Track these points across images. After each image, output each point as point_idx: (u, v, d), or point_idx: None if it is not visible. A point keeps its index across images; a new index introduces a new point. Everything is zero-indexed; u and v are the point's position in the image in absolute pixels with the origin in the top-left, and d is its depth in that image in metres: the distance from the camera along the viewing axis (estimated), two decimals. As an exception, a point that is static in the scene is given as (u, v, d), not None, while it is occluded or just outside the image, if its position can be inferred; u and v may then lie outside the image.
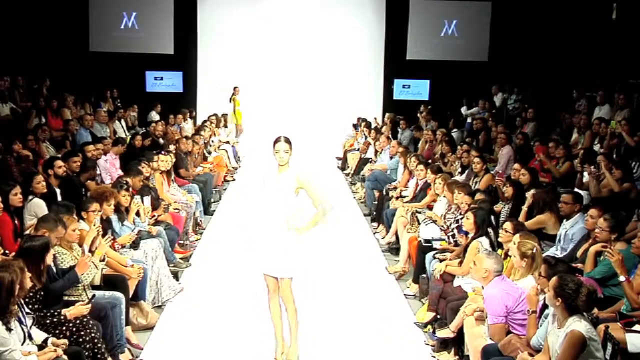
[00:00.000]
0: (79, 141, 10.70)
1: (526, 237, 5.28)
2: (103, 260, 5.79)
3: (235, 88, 16.73)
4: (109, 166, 9.34)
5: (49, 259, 4.79)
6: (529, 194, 7.45)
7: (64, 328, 4.68)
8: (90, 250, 5.69)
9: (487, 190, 8.27)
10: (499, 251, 5.88)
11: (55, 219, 5.33)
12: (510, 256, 5.51)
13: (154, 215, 7.78)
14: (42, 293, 4.75)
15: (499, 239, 5.99)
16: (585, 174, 8.22)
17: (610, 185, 7.58)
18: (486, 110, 14.83)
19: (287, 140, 5.27)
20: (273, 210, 5.26)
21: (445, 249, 6.89)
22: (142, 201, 7.59)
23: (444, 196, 7.91)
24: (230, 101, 16.80)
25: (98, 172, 8.88)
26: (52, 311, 4.75)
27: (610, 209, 5.86)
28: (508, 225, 5.86)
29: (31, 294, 4.63)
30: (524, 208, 7.10)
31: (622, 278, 4.87)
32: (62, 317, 4.74)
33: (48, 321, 4.70)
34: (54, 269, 5.15)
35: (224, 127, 15.87)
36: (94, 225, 5.90)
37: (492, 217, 6.53)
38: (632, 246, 5.26)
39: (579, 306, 4.09)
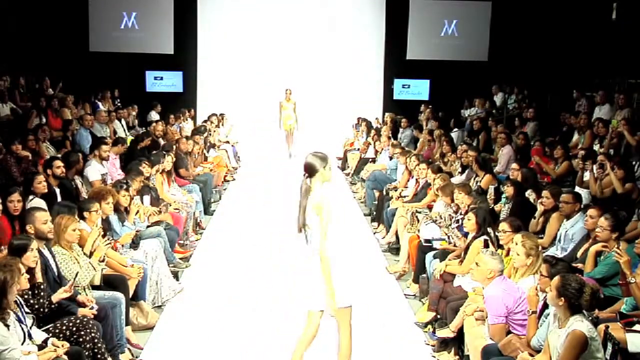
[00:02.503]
0: (79, 141, 10.71)
1: (527, 237, 5.28)
2: (103, 260, 5.78)
3: (286, 90, 15.68)
4: (109, 166, 9.33)
5: (27, 260, 4.74)
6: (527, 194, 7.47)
7: (64, 328, 4.68)
8: (90, 252, 5.69)
9: (479, 190, 8.27)
10: (499, 251, 5.88)
11: (30, 209, 5.37)
12: (509, 256, 5.51)
13: (154, 214, 7.78)
14: (29, 293, 4.74)
15: (501, 242, 5.97)
16: (586, 172, 8.22)
17: (614, 186, 7.57)
18: (485, 110, 14.84)
19: None
20: (339, 238, 4.64)
21: (445, 249, 6.89)
22: (142, 201, 7.58)
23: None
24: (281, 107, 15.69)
25: (105, 170, 8.88)
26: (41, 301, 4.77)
27: (610, 209, 5.86)
28: (505, 225, 5.86)
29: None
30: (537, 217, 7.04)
31: (632, 280, 4.84)
32: (47, 302, 4.77)
33: (38, 306, 4.71)
34: (55, 271, 5.15)
35: (223, 127, 15.86)
36: (96, 226, 5.89)
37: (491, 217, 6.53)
38: (636, 246, 5.26)
39: (582, 305, 4.10)
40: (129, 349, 5.50)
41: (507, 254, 5.66)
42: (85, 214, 6.02)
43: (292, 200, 11.53)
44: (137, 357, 5.52)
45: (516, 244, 5.24)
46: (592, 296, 4.11)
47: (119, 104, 15.16)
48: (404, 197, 9.48)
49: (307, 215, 4.55)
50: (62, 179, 7.53)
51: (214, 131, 14.56)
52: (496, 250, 5.84)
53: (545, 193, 6.92)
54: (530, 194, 7.54)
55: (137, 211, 7.22)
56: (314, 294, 4.59)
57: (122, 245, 6.53)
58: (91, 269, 5.42)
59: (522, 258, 5.16)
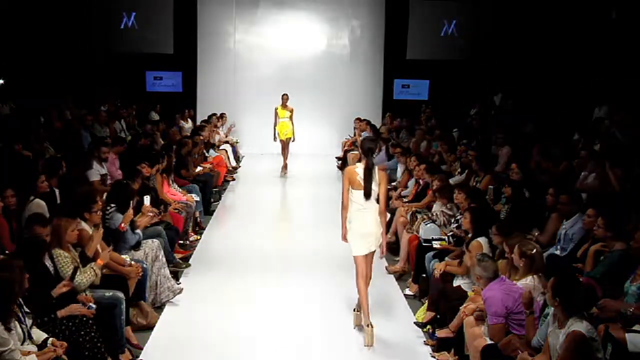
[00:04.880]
0: (79, 141, 10.72)
1: (521, 239, 5.30)
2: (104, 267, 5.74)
3: (283, 96, 14.03)
4: (108, 166, 9.33)
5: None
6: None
7: (64, 328, 4.68)
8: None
9: (471, 189, 8.26)
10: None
11: (31, 221, 5.37)
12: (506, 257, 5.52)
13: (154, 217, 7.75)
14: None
15: (493, 242, 6.00)
16: (584, 173, 8.23)
17: (613, 185, 7.59)
18: (484, 110, 14.85)
19: None
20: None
21: (445, 248, 6.89)
22: (143, 201, 7.56)
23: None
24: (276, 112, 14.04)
25: (104, 171, 8.88)
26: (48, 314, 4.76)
27: (608, 208, 5.88)
28: (494, 229, 5.91)
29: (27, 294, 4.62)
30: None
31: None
32: (52, 316, 4.75)
33: (46, 319, 4.70)
34: (53, 272, 5.14)
35: (222, 127, 15.83)
36: (98, 229, 5.89)
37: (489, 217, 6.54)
38: (633, 245, 5.27)
39: (577, 305, 4.11)
40: (129, 349, 5.51)
41: (499, 257, 5.69)
42: (87, 215, 5.99)
43: (291, 200, 11.52)
44: (137, 357, 5.52)
45: (510, 246, 5.28)
46: (586, 295, 4.13)
47: (119, 104, 15.16)
48: (404, 197, 9.48)
49: (374, 182, 5.90)
50: (63, 179, 7.53)
51: (213, 131, 14.55)
52: (495, 250, 5.86)
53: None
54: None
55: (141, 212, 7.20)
56: (370, 238, 5.97)
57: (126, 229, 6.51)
58: (92, 274, 5.39)
59: (516, 258, 5.19)
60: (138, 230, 6.73)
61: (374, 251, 6.09)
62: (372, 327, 5.83)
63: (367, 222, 5.96)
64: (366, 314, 5.92)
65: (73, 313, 4.82)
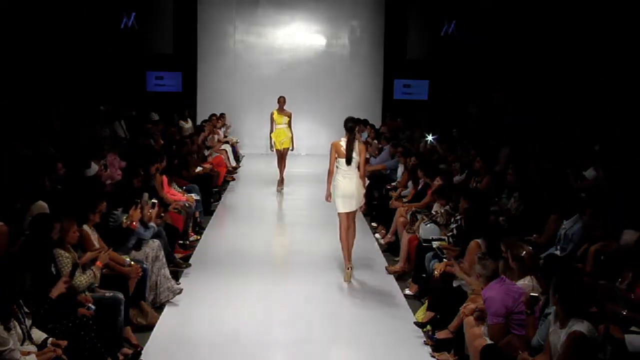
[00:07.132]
0: (79, 141, 10.70)
1: (513, 244, 5.31)
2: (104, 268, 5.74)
3: (280, 98, 12.47)
4: (108, 166, 9.33)
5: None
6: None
7: (64, 328, 4.68)
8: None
9: (469, 190, 8.27)
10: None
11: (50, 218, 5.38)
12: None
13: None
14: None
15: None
16: (585, 173, 8.25)
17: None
18: (484, 110, 14.87)
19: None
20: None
21: (444, 248, 6.89)
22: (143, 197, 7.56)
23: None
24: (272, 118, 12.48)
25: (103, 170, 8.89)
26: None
27: (605, 208, 5.91)
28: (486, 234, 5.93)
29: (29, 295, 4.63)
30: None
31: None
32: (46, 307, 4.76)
33: (42, 311, 4.71)
34: (54, 272, 5.15)
35: (222, 127, 15.82)
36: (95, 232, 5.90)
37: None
38: None
39: (577, 305, 4.11)
40: (128, 348, 5.50)
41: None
42: (91, 216, 5.97)
43: (291, 200, 11.51)
44: (137, 358, 5.52)
45: (505, 251, 5.29)
46: (587, 294, 4.14)
47: (119, 105, 15.14)
48: (404, 197, 9.48)
49: (354, 152, 7.33)
50: (63, 180, 7.54)
51: (213, 131, 14.54)
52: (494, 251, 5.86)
53: None
54: None
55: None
56: (352, 199, 7.40)
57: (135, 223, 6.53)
58: (92, 275, 5.38)
59: (510, 260, 5.20)
60: (152, 224, 6.80)
61: (356, 210, 7.58)
62: (351, 268, 7.42)
63: (349, 186, 7.36)
64: (346, 258, 7.44)
65: (62, 292, 4.83)
